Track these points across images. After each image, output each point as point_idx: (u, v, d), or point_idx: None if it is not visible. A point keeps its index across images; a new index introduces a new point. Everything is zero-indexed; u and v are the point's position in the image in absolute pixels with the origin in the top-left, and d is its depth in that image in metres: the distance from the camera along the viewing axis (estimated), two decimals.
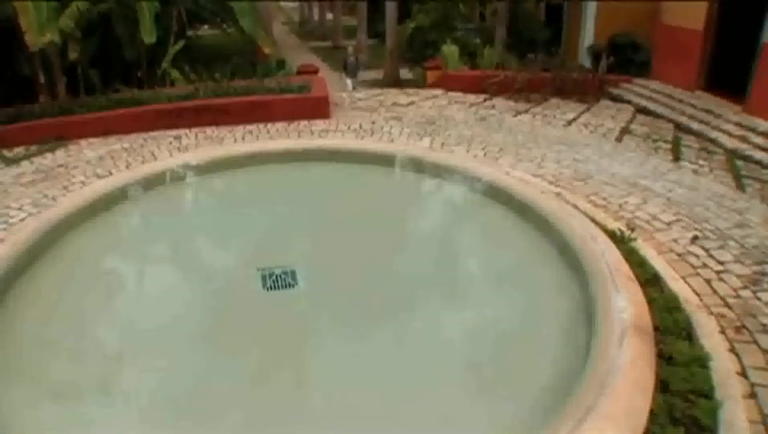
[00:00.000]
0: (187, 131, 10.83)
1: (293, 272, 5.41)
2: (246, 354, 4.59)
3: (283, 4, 35.06)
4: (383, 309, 5.25)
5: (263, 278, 5.34)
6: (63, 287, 5.44)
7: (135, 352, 4.64)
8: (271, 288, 5.24)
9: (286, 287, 5.25)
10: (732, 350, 4.43)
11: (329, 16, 34.10)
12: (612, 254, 5.30)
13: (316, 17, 38.54)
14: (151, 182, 7.53)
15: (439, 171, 8.04)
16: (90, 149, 10.05)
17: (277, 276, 5.33)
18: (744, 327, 4.72)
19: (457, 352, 4.71)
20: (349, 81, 18.63)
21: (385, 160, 8.45)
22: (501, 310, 5.36)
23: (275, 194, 7.94)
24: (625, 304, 4.45)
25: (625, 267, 5.13)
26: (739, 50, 12.08)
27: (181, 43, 14.42)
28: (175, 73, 13.58)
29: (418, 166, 8.28)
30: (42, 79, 12.37)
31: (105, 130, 10.67)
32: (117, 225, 6.81)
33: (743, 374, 4.18)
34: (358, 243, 6.40)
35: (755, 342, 4.51)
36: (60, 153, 9.89)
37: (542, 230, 6.20)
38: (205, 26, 25.08)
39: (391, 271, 6.00)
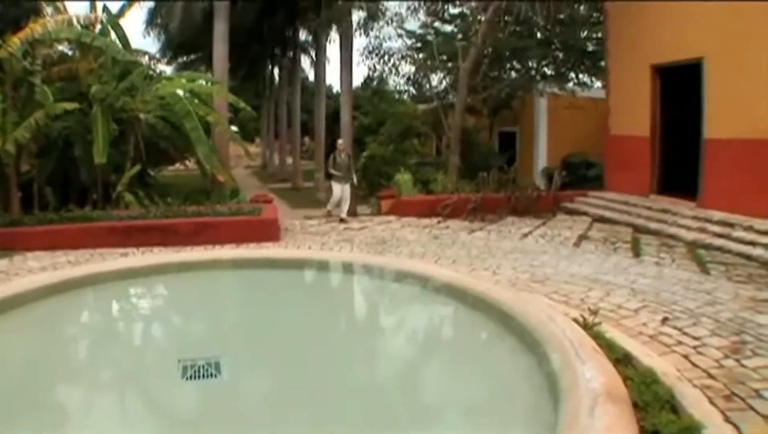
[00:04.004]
0: (135, 249, 10.49)
1: (217, 364, 4.85)
2: None
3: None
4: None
5: (183, 368, 4.81)
6: None
7: None
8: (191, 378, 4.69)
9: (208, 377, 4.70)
10: (727, 420, 3.75)
11: (289, 160, 34.81)
12: (574, 332, 4.75)
13: (276, 161, 39.71)
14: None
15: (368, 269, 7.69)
16: (35, 260, 9.72)
17: (199, 367, 4.81)
18: (734, 394, 4.09)
19: None
20: (338, 187, 14.26)
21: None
22: (458, 397, 4.71)
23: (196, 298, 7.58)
24: (593, 373, 3.85)
25: (589, 342, 4.60)
26: (686, 150, 12.27)
27: (137, 168, 14.38)
28: (129, 197, 13.42)
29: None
30: None
31: (53, 244, 10.51)
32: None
33: None
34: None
35: (751, 408, 3.88)
36: (3, 262, 9.60)
37: (496, 318, 5.61)
38: (170, 167, 25.55)
39: (341, 361, 5.36)
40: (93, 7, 16.46)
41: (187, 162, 22.19)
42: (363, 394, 4.76)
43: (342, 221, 13.71)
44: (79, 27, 14.34)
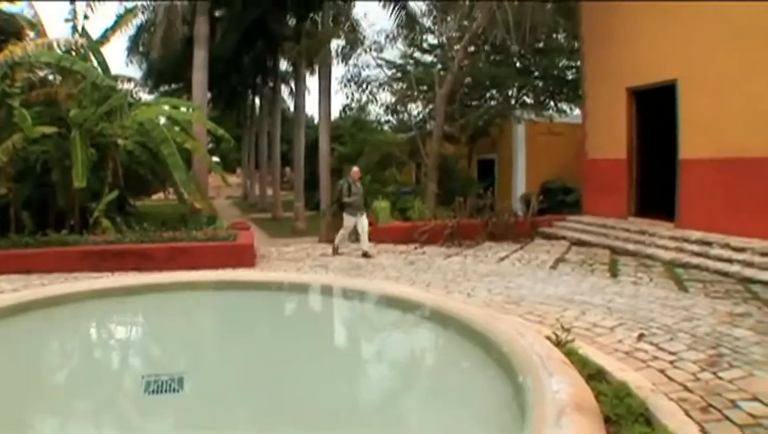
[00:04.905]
0: (109, 274, 10.32)
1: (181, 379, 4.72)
2: None
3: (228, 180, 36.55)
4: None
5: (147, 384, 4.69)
6: None
7: None
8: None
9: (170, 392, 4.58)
10: (703, 430, 3.59)
11: (270, 191, 34.89)
12: (543, 347, 4.57)
13: (257, 192, 39.62)
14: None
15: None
16: (7, 282, 9.57)
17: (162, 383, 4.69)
18: (711, 406, 3.93)
19: None
20: (352, 220, 12.51)
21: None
22: (426, 408, 4.63)
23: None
24: (560, 386, 3.66)
25: (558, 355, 4.43)
26: (664, 171, 12.29)
27: (114, 193, 14.19)
28: (106, 223, 13.20)
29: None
30: None
31: (27, 267, 10.48)
32: None
33: None
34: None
35: (727, 419, 3.72)
36: None
37: (465, 335, 5.40)
38: (152, 197, 25.35)
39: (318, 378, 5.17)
40: (75, 31, 16.36)
41: (168, 192, 21.94)
42: (332, 405, 4.62)
43: (366, 255, 12.15)
44: (59, 51, 14.21)
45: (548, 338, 5.20)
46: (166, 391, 4.58)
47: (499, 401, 4.14)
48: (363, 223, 12.55)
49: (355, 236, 12.86)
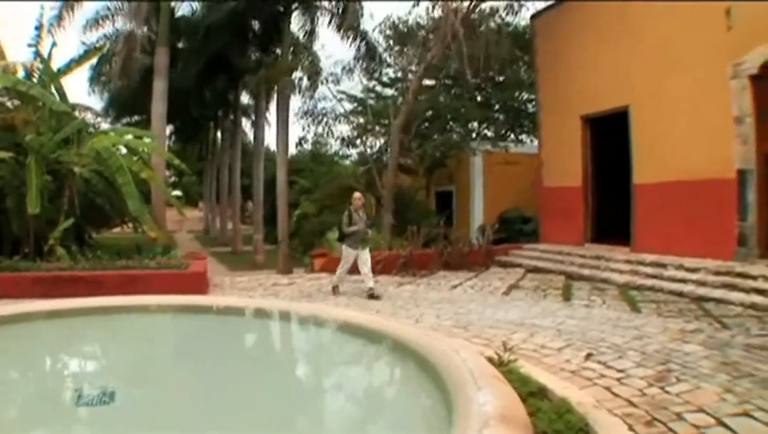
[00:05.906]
0: (60, 301, 9.64)
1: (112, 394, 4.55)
2: None
3: (188, 214, 36.16)
4: None
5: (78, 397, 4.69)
6: None
7: None
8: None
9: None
10: None
11: (230, 225, 34.85)
12: (477, 362, 4.30)
13: (218, 226, 39.65)
14: None
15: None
16: None
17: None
18: (656, 419, 3.70)
19: None
20: (352, 253, 10.71)
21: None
22: (356, 420, 4.52)
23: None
24: (488, 398, 3.40)
25: (490, 370, 4.16)
26: (620, 197, 12.30)
27: (70, 221, 13.73)
28: (61, 251, 12.79)
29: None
30: None
31: None
32: None
33: None
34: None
35: (671, 431, 3.50)
36: None
37: (401, 353, 5.10)
38: (113, 230, 24.78)
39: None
40: (37, 56, 15.95)
41: (127, 224, 21.40)
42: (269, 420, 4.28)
43: (372, 297, 10.32)
44: (19, 75, 13.82)
45: (490, 359, 4.89)
46: (96, 404, 4.39)
47: (430, 414, 4.00)
48: (364, 257, 10.81)
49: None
